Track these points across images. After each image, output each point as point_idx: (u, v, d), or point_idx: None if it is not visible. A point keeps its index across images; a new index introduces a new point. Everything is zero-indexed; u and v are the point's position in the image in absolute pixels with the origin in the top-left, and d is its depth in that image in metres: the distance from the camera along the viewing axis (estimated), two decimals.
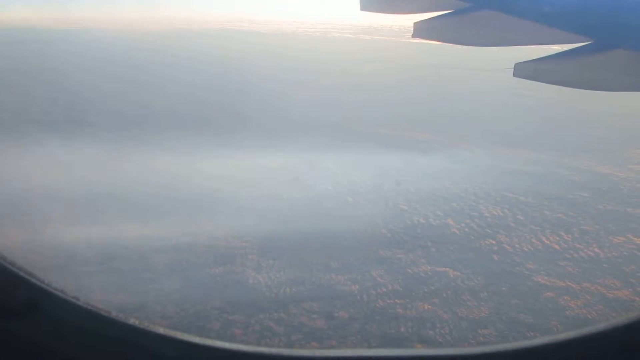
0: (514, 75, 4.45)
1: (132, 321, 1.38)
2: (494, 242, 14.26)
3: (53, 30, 73.59)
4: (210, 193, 16.73)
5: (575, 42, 4.29)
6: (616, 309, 11.41)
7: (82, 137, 22.03)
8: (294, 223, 15.01)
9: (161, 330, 1.36)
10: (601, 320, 11.08)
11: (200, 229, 14.30)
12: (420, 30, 5.32)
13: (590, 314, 11.23)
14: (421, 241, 14.23)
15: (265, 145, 22.08)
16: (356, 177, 18.72)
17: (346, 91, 34.45)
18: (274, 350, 1.35)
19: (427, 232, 14.82)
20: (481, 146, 23.06)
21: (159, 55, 52.04)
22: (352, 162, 20.23)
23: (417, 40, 5.52)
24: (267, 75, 40.37)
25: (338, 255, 13.44)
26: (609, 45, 4.04)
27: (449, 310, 11.38)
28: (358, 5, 5.91)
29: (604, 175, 19.56)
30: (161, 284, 11.98)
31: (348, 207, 16.43)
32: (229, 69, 43.85)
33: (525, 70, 4.39)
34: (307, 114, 28.06)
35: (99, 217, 14.89)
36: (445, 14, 5.28)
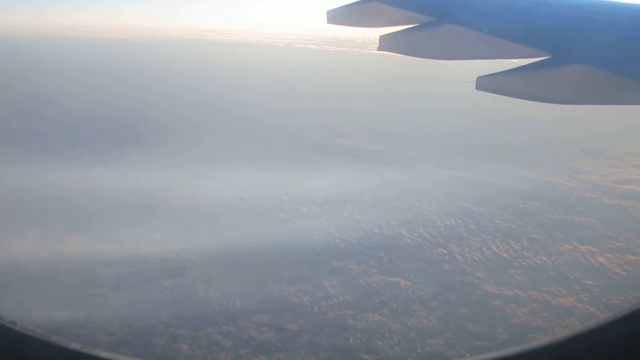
0: (477, 88, 4.58)
1: (74, 346, 1.30)
2: (445, 251, 14.44)
3: (12, 37, 71.75)
4: (160, 206, 16.51)
5: (535, 57, 4.44)
6: (560, 316, 11.69)
7: (20, 147, 21.58)
8: (246, 234, 14.92)
9: (104, 354, 1.29)
10: (545, 328, 11.36)
11: (151, 242, 14.07)
12: (386, 43, 5.45)
13: (535, 321, 11.47)
14: (374, 251, 14.30)
15: (218, 153, 21.95)
16: (311, 187, 18.75)
17: (305, 101, 34.57)
18: None
19: (381, 242, 14.91)
20: (439, 156, 23.44)
21: (115, 63, 51.38)
22: (307, 172, 20.26)
23: (382, 52, 5.64)
24: (225, 84, 40.23)
25: (290, 266, 13.40)
26: (565, 60, 4.20)
27: (398, 321, 11.44)
28: (325, 19, 6.01)
29: (554, 184, 20.10)
30: (107, 298, 11.70)
31: (302, 218, 16.41)
32: (185, 78, 43.59)
33: (487, 84, 4.52)
34: (264, 124, 28.04)
35: (43, 229, 14.49)
36: (411, 27, 5.40)
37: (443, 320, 11.48)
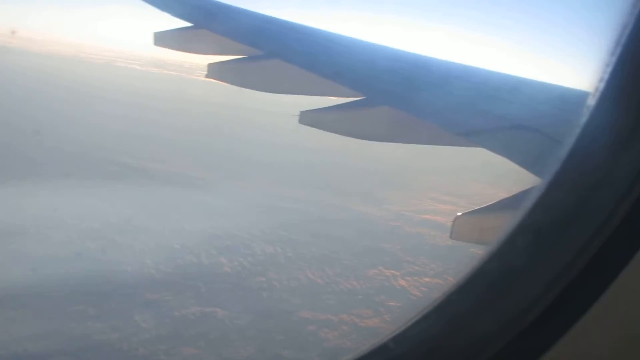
0: (300, 122, 4.62)
1: None
2: (264, 279, 14.51)
3: None
4: None
5: (352, 97, 4.63)
6: (367, 337, 12.44)
7: None
8: (47, 266, 13.23)
9: None
10: (354, 350, 11.95)
11: None
12: (214, 71, 5.35)
13: (344, 344, 12.02)
14: (192, 281, 13.78)
15: (26, 179, 19.39)
16: (125, 214, 17.49)
17: (122, 123, 32.57)
18: None
19: (199, 271, 14.44)
20: (260, 185, 23.71)
21: None
22: (120, 199, 18.90)
23: (210, 80, 5.46)
24: (27, 101, 36.00)
25: (98, 301, 12.20)
26: (377, 101, 4.42)
27: (214, 353, 11.08)
28: (152, 39, 5.65)
29: (364, 214, 21.66)
30: None
31: (115, 247, 15.17)
32: None
33: (309, 118, 4.61)
34: (74, 146, 25.60)
35: None
36: (239, 58, 5.37)
37: (259, 348, 11.42)
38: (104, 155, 24.48)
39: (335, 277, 15.33)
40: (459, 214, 3.13)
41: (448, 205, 24.31)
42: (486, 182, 29.01)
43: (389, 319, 13.32)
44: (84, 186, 19.49)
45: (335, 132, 4.68)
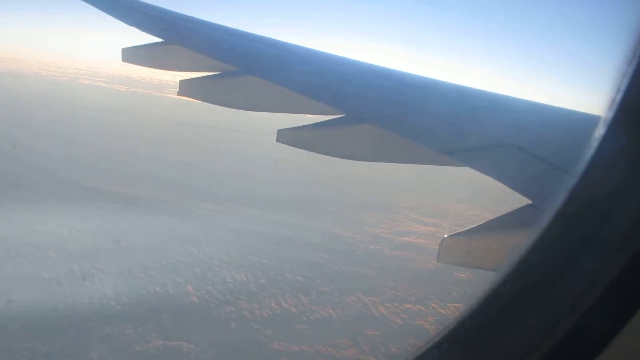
0: (277, 140, 4.66)
1: None
2: (234, 309, 14.37)
3: None
4: None
5: (331, 114, 4.69)
6: None
7: None
8: None
9: None
10: None
11: None
12: (186, 88, 5.39)
13: None
14: (155, 313, 13.56)
15: None
16: (84, 240, 17.18)
17: (86, 144, 32.14)
18: None
19: (164, 302, 14.22)
20: (230, 208, 23.60)
21: None
22: (80, 224, 18.56)
23: (181, 97, 5.49)
24: None
25: (52, 337, 11.89)
26: (359, 119, 4.50)
27: None
28: (120, 55, 5.66)
29: (341, 237, 21.72)
30: None
31: (72, 277, 14.85)
32: None
33: (287, 137, 4.65)
34: (30, 169, 25.10)
35: None
36: (212, 75, 5.40)
37: None
38: (63, 177, 24.07)
39: (310, 305, 15.28)
40: (446, 235, 3.21)
41: (430, 227, 24.59)
42: (471, 202, 29.56)
43: (367, 350, 13.30)
44: (40, 210, 19.09)
45: (314, 150, 4.76)
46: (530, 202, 2.99)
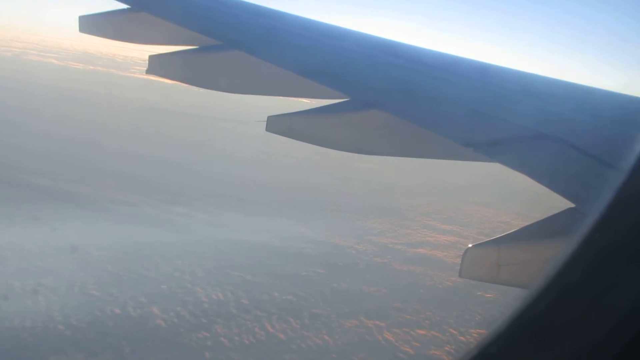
0: (267, 129, 4.66)
1: None
2: (208, 334, 14.41)
3: None
4: None
5: (332, 98, 4.68)
6: None
7: None
8: None
9: None
10: None
11: None
12: (157, 65, 5.39)
13: None
14: (112, 339, 13.62)
15: None
16: (30, 251, 17.18)
17: (26, 132, 32.08)
18: None
19: (123, 326, 14.26)
20: (207, 212, 23.61)
21: None
22: (24, 231, 18.57)
23: (151, 77, 5.49)
24: None
25: None
26: (365, 104, 4.50)
27: None
28: (77, 25, 5.63)
29: (341, 247, 21.78)
30: None
31: (13, 295, 14.88)
32: None
33: (279, 125, 4.65)
34: None
35: None
36: (189, 49, 5.44)
37: None
38: (3, 174, 24.05)
39: (301, 330, 15.32)
40: (471, 245, 3.24)
41: (450, 236, 24.67)
42: (499, 205, 29.64)
43: None
44: None
45: (310, 141, 4.79)
46: (572, 205, 3.02)
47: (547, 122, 4.53)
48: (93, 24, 5.67)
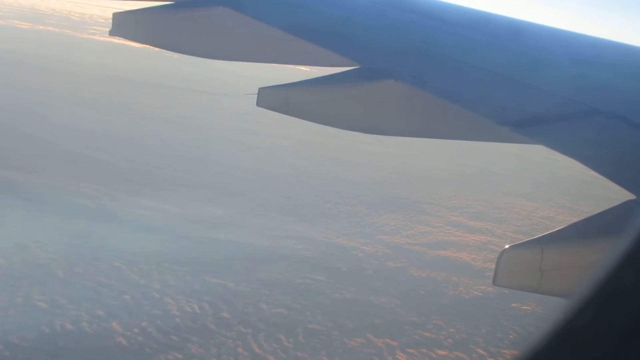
0: (258, 104, 4.64)
1: None
2: (180, 356, 14.45)
3: None
4: None
5: (337, 66, 4.64)
6: None
7: None
8: None
9: None
10: None
11: None
12: (122, 25, 5.34)
13: None
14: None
15: None
16: None
17: None
18: None
19: (77, 344, 14.34)
20: (181, 206, 23.65)
21: None
22: None
23: (115, 39, 5.47)
24: None
25: None
26: (377, 73, 4.46)
27: None
28: None
29: (346, 249, 21.80)
30: None
31: None
32: None
33: (272, 98, 4.63)
34: None
35: None
36: (161, 5, 5.44)
37: None
38: None
39: (295, 350, 15.37)
40: (507, 246, 3.21)
41: (479, 234, 24.71)
42: (541, 197, 29.69)
43: None
44: None
45: (310, 118, 4.76)
46: (632, 196, 2.99)
47: (600, 94, 4.50)
48: None
